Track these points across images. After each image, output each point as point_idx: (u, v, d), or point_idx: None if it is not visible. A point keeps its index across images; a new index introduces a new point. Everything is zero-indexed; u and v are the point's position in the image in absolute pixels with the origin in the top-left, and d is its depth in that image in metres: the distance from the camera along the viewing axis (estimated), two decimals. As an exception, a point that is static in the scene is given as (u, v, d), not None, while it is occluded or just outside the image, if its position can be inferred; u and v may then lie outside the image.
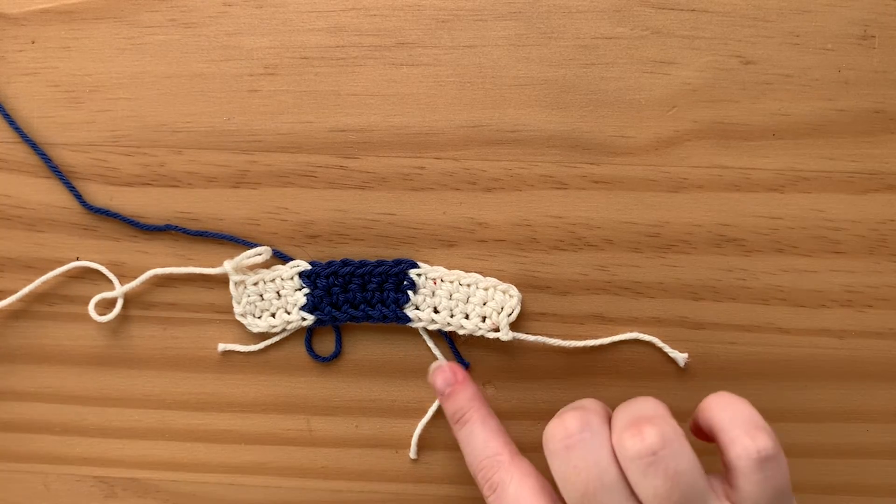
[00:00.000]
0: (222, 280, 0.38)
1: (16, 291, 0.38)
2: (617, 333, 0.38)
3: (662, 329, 0.38)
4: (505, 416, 0.39)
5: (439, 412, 0.39)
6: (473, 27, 0.37)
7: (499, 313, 0.37)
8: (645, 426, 0.28)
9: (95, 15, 0.38)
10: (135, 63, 0.38)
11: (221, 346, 0.38)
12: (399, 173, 0.38)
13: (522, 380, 0.39)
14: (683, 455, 0.27)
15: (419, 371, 0.39)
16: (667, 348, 0.38)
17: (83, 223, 0.38)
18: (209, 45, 0.38)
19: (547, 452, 0.30)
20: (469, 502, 0.39)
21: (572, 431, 0.29)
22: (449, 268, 0.38)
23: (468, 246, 0.38)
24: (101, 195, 0.38)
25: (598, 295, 0.38)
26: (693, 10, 0.37)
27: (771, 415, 0.31)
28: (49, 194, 0.38)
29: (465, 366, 0.38)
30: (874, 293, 0.38)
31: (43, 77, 0.38)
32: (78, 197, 0.38)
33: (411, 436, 0.39)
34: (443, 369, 0.35)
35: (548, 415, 0.39)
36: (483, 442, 0.33)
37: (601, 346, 0.38)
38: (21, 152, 0.38)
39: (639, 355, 0.38)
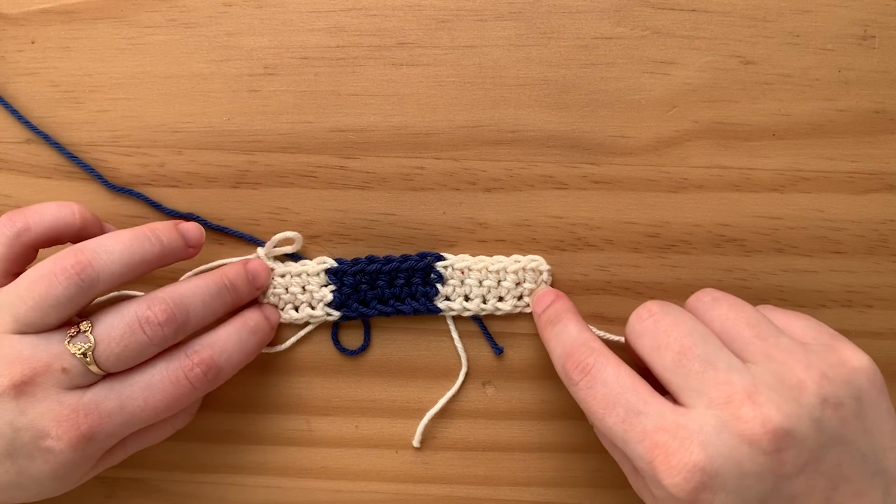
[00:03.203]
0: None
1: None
2: (617, 333, 0.38)
3: (662, 329, 0.38)
4: (505, 416, 0.39)
5: (446, 406, 0.39)
6: (473, 27, 0.37)
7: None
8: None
9: (95, 15, 0.38)
10: (135, 63, 0.38)
11: None
12: (399, 173, 0.38)
13: (522, 380, 0.39)
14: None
15: (419, 371, 0.39)
16: None
17: (83, 223, 0.38)
18: (209, 45, 0.38)
19: (634, 336, 0.32)
20: (469, 502, 0.39)
21: (655, 309, 0.32)
22: (449, 268, 0.38)
23: (468, 246, 0.38)
24: (101, 195, 0.38)
25: (598, 295, 0.38)
26: (693, 10, 0.37)
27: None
28: (49, 194, 0.38)
29: (499, 351, 0.38)
30: (874, 293, 0.38)
31: (43, 77, 0.38)
32: (100, 178, 0.38)
33: (411, 436, 0.39)
34: (548, 292, 0.37)
35: (548, 415, 0.39)
36: (577, 332, 0.34)
37: (601, 346, 0.38)
38: (21, 152, 0.38)
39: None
